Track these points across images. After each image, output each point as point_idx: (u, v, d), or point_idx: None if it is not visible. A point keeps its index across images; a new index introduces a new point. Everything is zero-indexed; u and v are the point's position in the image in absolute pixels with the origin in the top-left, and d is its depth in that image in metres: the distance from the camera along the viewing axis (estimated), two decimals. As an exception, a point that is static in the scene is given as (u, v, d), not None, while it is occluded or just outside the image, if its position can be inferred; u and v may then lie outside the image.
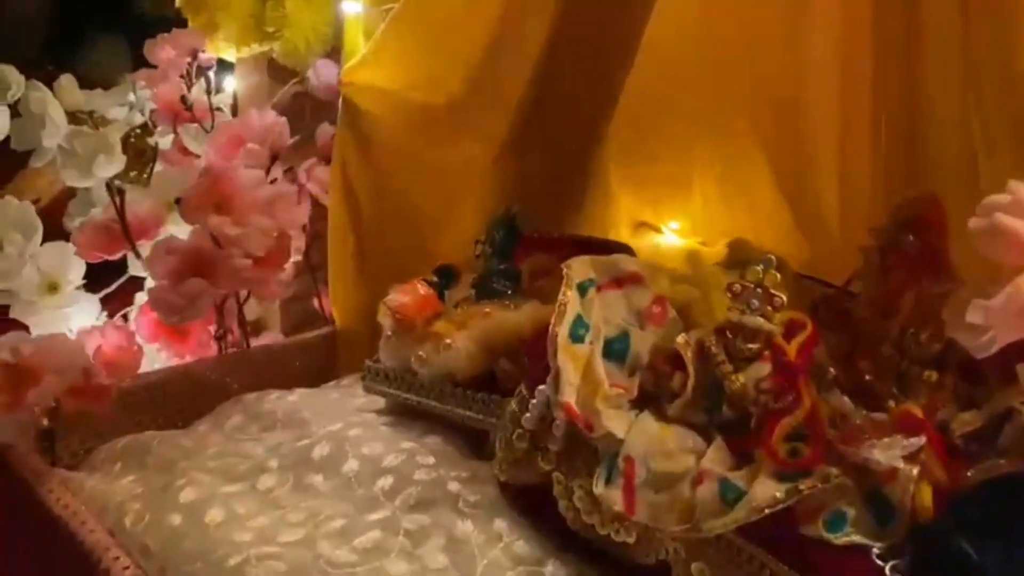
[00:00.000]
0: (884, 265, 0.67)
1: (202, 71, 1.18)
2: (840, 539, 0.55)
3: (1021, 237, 0.51)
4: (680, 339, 0.63)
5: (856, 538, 0.55)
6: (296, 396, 0.93)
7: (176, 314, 0.87)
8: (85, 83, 1.05)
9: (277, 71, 1.28)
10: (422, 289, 0.82)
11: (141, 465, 0.81)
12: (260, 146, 0.99)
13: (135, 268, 1.06)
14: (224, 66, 1.30)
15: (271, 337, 1.19)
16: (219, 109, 1.23)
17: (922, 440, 0.54)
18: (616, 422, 0.61)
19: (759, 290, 0.61)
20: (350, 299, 1.13)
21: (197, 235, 0.90)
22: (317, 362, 1.12)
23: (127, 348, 0.95)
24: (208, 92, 1.16)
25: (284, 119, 1.04)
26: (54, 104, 0.97)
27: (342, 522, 0.68)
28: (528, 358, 0.77)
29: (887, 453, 0.53)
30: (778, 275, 0.61)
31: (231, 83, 1.31)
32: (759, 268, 0.61)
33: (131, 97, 1.23)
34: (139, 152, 1.06)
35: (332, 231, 1.11)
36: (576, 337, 0.63)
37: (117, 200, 1.00)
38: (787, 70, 1.05)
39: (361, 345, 1.10)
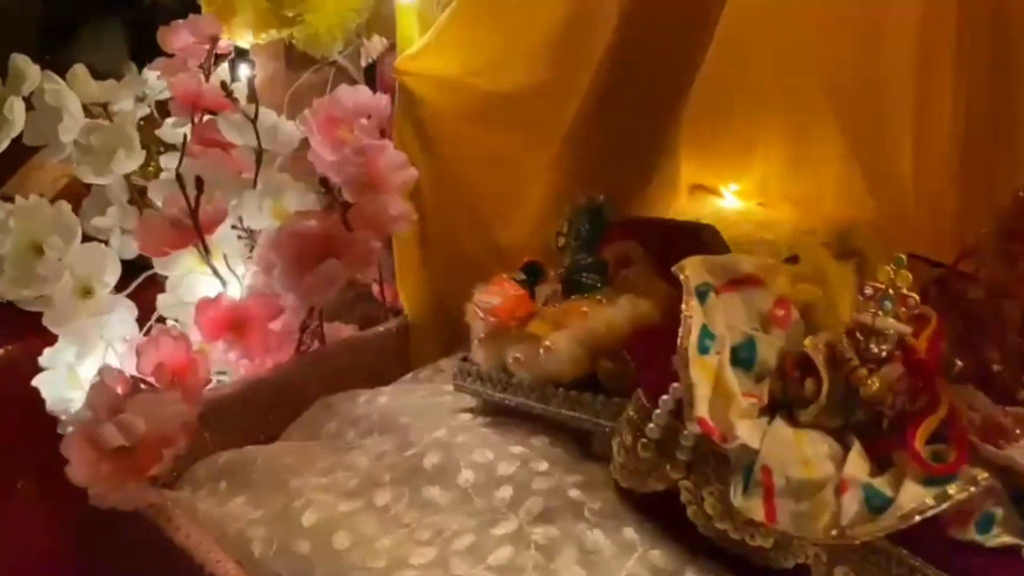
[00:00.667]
0: (1002, 250, 0.66)
1: (220, 59, 1.16)
2: (991, 541, 0.55)
3: None
4: (808, 343, 0.64)
5: (1006, 538, 0.56)
6: (386, 397, 0.94)
7: (312, 295, 0.88)
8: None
9: (295, 58, 1.25)
10: (512, 289, 0.82)
11: (247, 483, 0.82)
12: (370, 121, 0.98)
13: (162, 267, 1.00)
14: (238, 54, 1.27)
15: (340, 329, 1.19)
16: (235, 99, 1.20)
17: (1074, 443, 0.54)
18: (750, 433, 0.61)
19: (891, 291, 0.61)
20: (419, 289, 1.14)
21: (319, 214, 0.89)
22: (390, 356, 1.12)
23: (190, 358, 0.92)
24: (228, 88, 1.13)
25: (385, 97, 1.03)
26: (71, 96, 0.94)
27: (470, 538, 0.69)
28: (632, 358, 0.77)
29: (1036, 456, 0.54)
30: (910, 276, 0.60)
31: (245, 71, 1.28)
32: (891, 268, 0.61)
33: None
34: (145, 145, 1.04)
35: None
36: (703, 348, 0.64)
37: (190, 193, 0.96)
38: (865, 40, 1.04)
39: (431, 336, 1.11)
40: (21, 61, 0.94)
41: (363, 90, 1.02)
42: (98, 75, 1.10)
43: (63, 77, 0.99)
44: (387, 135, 1.02)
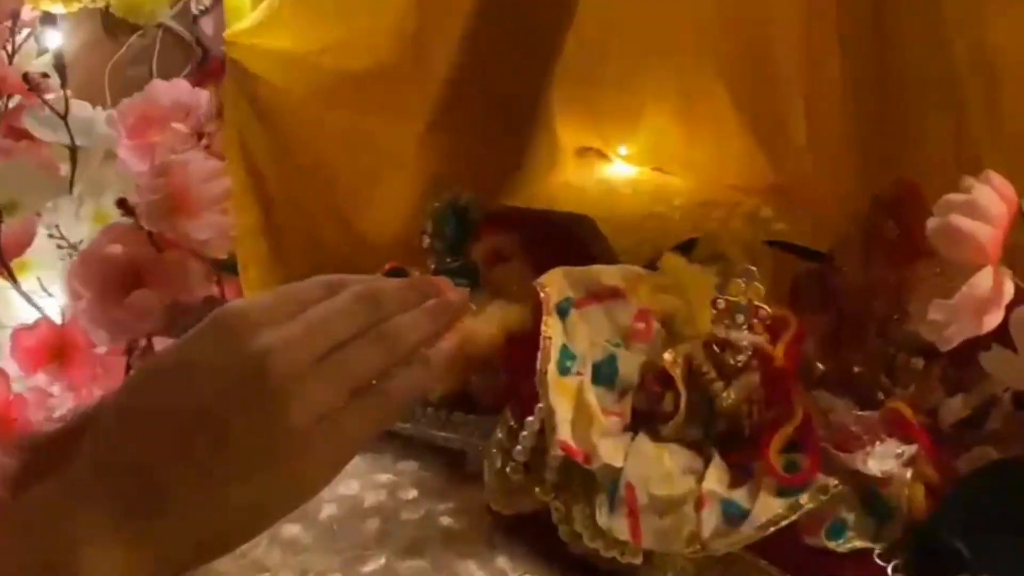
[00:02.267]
0: (865, 251, 0.84)
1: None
2: (843, 546, 0.73)
3: (975, 238, 0.67)
4: (667, 356, 0.79)
5: (857, 543, 0.73)
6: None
7: (123, 333, 0.97)
8: None
9: (113, 23, 1.33)
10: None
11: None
12: (184, 125, 1.07)
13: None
14: (46, 19, 1.34)
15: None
16: (46, 74, 1.28)
17: (914, 449, 0.72)
18: (613, 452, 0.77)
19: (744, 304, 0.77)
20: (268, 284, 1.25)
21: (126, 236, 0.99)
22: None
23: (7, 398, 1.02)
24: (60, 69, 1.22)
25: (205, 91, 1.12)
26: None
27: (336, 578, 0.83)
28: (505, 372, 0.92)
29: (881, 463, 0.71)
30: (762, 288, 0.77)
31: (55, 39, 1.34)
32: (742, 282, 0.77)
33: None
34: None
35: (236, 206, 1.21)
36: (563, 369, 0.79)
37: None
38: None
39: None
40: None
41: (182, 85, 1.12)
42: None
43: None
44: (204, 136, 1.13)
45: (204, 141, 1.15)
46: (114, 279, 0.97)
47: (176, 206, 1.00)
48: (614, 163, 1.52)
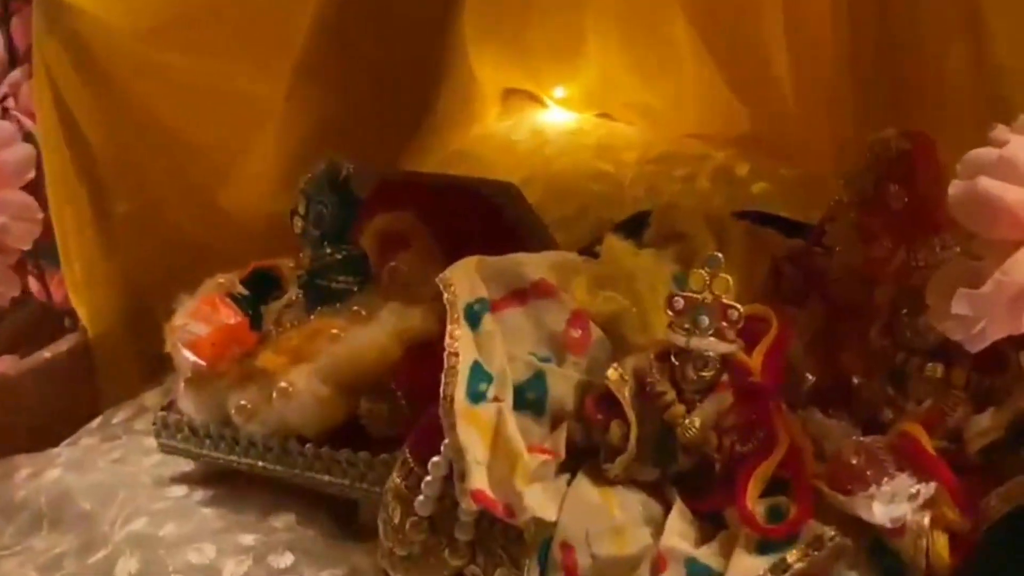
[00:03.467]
0: (861, 223, 0.79)
1: None
2: (842, 615, 0.69)
3: (1008, 206, 0.62)
4: (612, 373, 0.75)
5: (864, 606, 0.69)
6: (59, 469, 1.01)
7: None
8: None
9: None
10: (226, 314, 0.89)
11: None
12: None
13: None
14: None
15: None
16: None
17: (932, 488, 0.67)
18: (544, 502, 0.72)
19: (708, 301, 0.72)
20: (101, 288, 1.19)
21: None
22: (65, 392, 1.18)
23: None
24: None
25: None
26: None
27: None
28: (403, 395, 0.87)
29: (890, 507, 0.67)
30: (730, 280, 0.72)
31: None
32: (704, 272, 0.72)
33: None
34: None
35: (52, 179, 1.15)
36: (476, 395, 0.73)
37: None
38: None
39: (126, 357, 1.17)
40: None
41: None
42: None
43: None
44: None
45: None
46: None
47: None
48: (550, 109, 1.47)
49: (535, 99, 1.48)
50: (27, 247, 1.03)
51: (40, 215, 1.03)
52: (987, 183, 0.62)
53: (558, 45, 1.39)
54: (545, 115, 1.46)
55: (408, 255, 0.98)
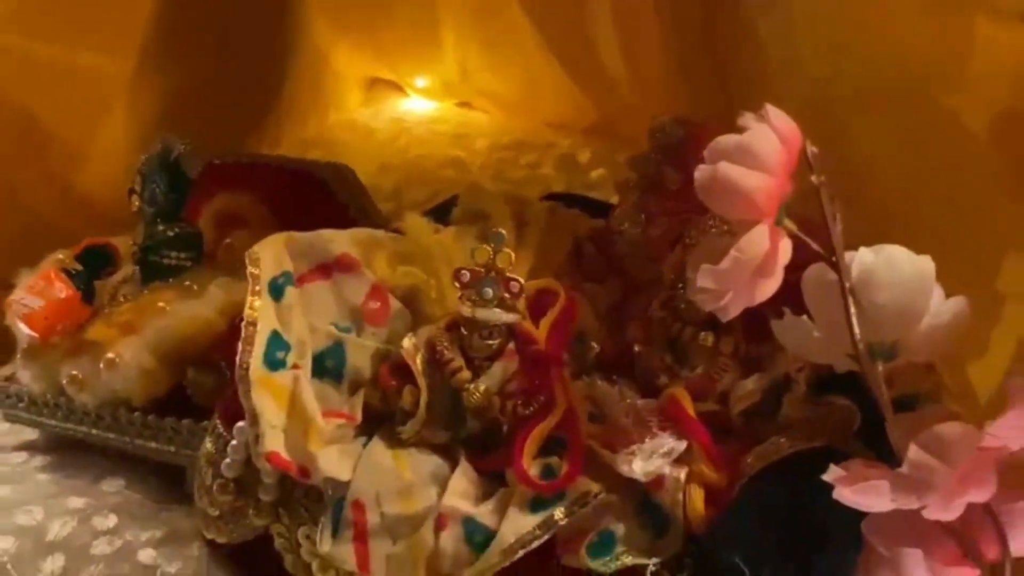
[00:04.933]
0: (644, 204, 0.83)
1: None
2: (610, 565, 0.72)
3: (746, 190, 0.64)
4: (406, 343, 0.77)
5: (628, 559, 0.72)
6: None
7: None
8: None
9: None
10: (59, 288, 0.90)
11: None
12: None
13: None
14: None
15: None
16: None
17: (683, 445, 0.71)
18: (338, 463, 0.75)
19: (492, 274, 0.75)
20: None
21: None
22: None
23: None
24: None
25: None
26: None
27: (4, 634, 0.79)
28: (228, 365, 0.88)
29: (647, 463, 0.71)
30: (512, 254, 0.75)
31: None
32: (489, 248, 0.75)
33: None
34: None
35: None
36: (273, 363, 0.76)
37: None
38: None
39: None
40: None
41: None
42: None
43: None
44: None
45: None
46: None
47: None
48: (411, 98, 1.49)
49: (398, 88, 1.49)
50: None
51: None
52: (726, 168, 0.65)
53: (414, 35, 1.40)
54: (406, 103, 1.48)
55: (244, 233, 0.98)
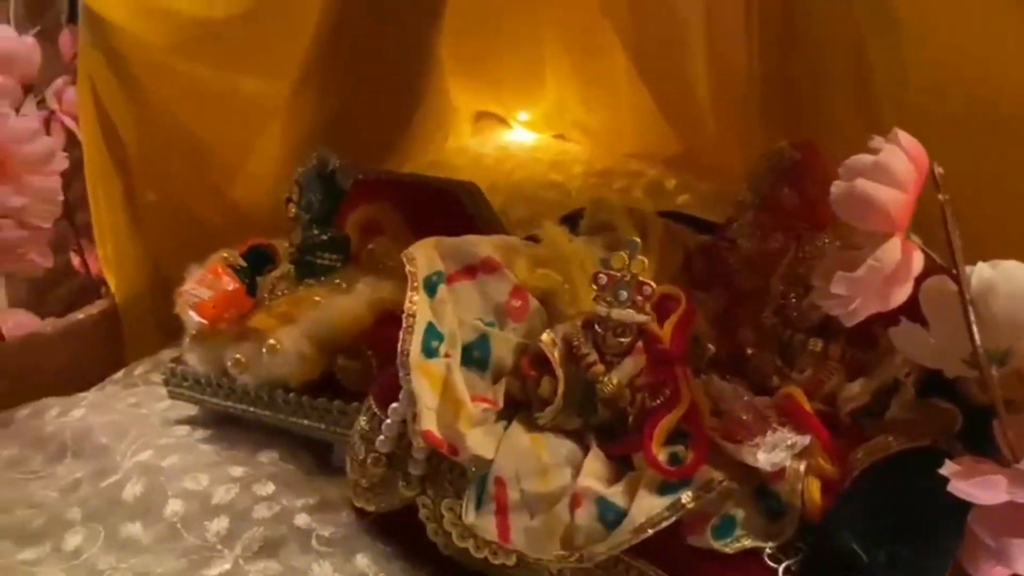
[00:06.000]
0: (759, 221, 0.77)
1: None
2: (732, 546, 0.67)
3: (882, 204, 0.60)
4: (545, 337, 0.73)
5: (747, 542, 0.67)
6: (84, 409, 0.98)
7: None
8: None
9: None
10: (227, 281, 0.87)
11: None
12: (9, 78, 0.98)
13: None
14: None
15: (22, 319, 1.19)
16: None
17: (807, 440, 0.66)
18: (483, 443, 0.70)
19: (627, 279, 0.70)
20: (128, 261, 1.16)
21: None
22: (97, 348, 1.15)
23: None
24: None
25: (30, 39, 1.03)
26: None
27: (176, 584, 0.75)
28: (373, 354, 0.85)
29: (771, 455, 0.65)
30: (646, 261, 0.70)
31: None
32: (625, 255, 0.70)
33: None
34: None
35: (90, 172, 1.13)
36: (429, 351, 0.71)
37: None
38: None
39: (149, 319, 1.15)
40: None
41: (6, 33, 1.02)
42: None
43: None
44: (32, 89, 1.03)
45: (42, 99, 1.05)
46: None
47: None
48: (514, 129, 1.45)
49: (502, 121, 1.46)
50: (47, 225, 1.00)
51: (60, 198, 1.00)
52: (864, 184, 0.61)
53: (521, 76, 1.38)
54: (510, 134, 1.45)
55: (383, 239, 0.96)
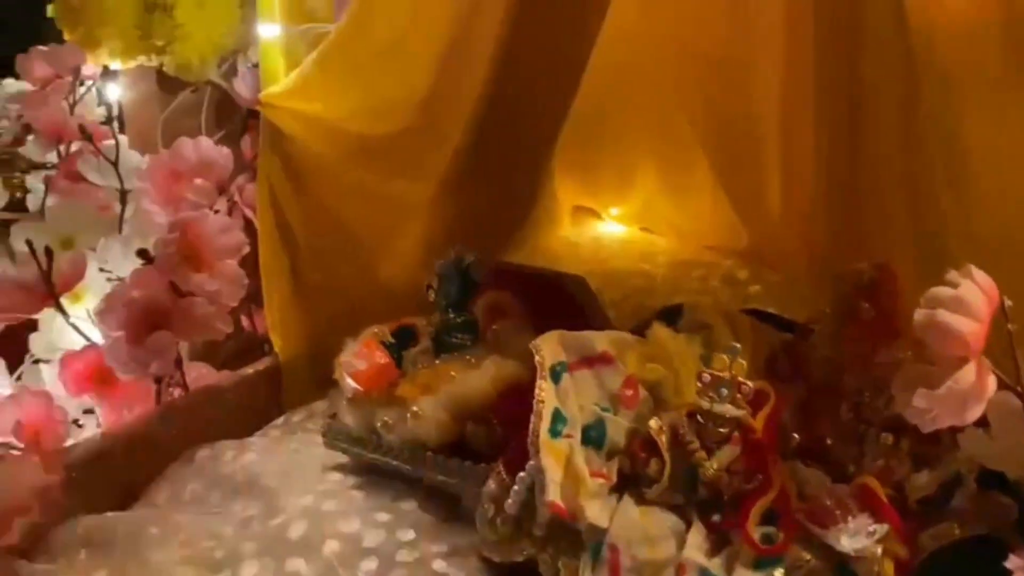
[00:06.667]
0: (843, 331, 0.76)
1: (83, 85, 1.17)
2: (815, 617, 0.64)
3: (960, 333, 0.60)
4: (653, 424, 0.71)
5: (829, 614, 0.64)
6: (254, 453, 0.98)
7: (142, 369, 0.91)
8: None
9: (167, 80, 1.27)
10: (379, 356, 0.88)
11: (108, 554, 0.86)
12: (207, 181, 1.01)
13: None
14: (106, 74, 1.28)
15: (202, 371, 1.21)
16: (106, 123, 1.22)
17: (886, 528, 0.63)
18: (599, 513, 0.69)
19: (727, 378, 0.69)
20: (291, 326, 1.18)
21: (148, 282, 0.92)
22: (260, 398, 1.16)
23: (50, 417, 0.96)
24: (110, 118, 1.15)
25: (226, 150, 1.06)
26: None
27: (334, 615, 0.75)
28: (498, 421, 0.84)
29: (855, 540, 0.63)
30: (745, 364, 0.69)
31: (114, 92, 1.29)
32: (726, 358, 0.69)
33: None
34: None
35: (264, 254, 1.14)
36: (555, 432, 0.71)
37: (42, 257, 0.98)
38: (728, 68, 1.12)
39: (305, 376, 1.16)
40: None
41: (205, 143, 1.05)
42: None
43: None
44: (225, 190, 1.06)
45: (229, 195, 1.08)
46: (136, 320, 0.91)
47: (189, 258, 0.94)
48: (606, 222, 1.44)
49: (595, 214, 1.45)
50: (235, 304, 1.01)
51: (245, 282, 1.02)
52: (944, 315, 0.59)
53: (616, 177, 1.37)
54: (602, 227, 1.44)
55: (506, 323, 0.96)
